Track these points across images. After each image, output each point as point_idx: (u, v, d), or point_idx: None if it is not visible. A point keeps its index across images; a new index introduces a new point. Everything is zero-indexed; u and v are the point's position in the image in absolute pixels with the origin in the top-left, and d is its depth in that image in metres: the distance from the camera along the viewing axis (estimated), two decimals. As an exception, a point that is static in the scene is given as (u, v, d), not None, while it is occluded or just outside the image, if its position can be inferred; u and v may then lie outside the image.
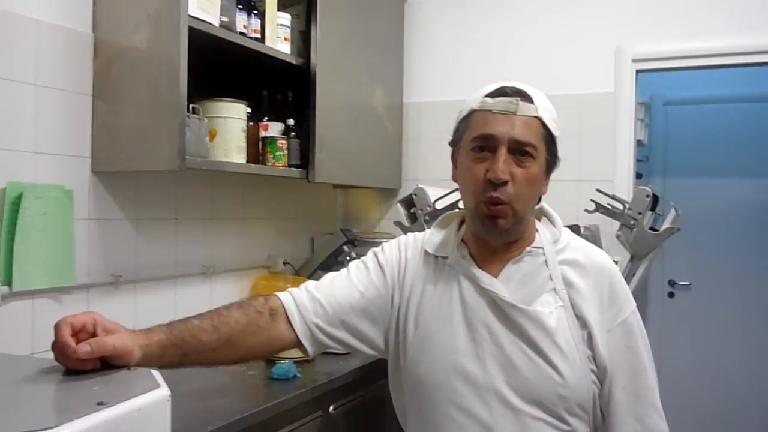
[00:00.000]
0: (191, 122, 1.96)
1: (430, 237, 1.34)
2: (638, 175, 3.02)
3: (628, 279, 2.40)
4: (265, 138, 2.38)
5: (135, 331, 1.06)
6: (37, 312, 1.88)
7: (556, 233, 1.26)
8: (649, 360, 1.22)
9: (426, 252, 1.31)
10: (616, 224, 2.42)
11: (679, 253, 4.11)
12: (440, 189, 2.61)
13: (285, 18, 2.40)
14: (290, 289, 1.30)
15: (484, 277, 1.21)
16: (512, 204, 1.16)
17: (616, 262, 2.32)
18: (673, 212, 2.42)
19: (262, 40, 2.29)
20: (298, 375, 2.00)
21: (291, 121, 2.49)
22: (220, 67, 2.30)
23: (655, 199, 2.41)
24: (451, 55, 3.11)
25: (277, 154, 2.37)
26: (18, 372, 0.96)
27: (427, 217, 2.52)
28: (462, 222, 1.32)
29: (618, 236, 2.38)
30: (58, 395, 0.89)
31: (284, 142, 2.40)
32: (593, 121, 2.79)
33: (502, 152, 1.14)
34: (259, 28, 2.27)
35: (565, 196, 2.81)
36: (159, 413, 0.82)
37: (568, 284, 1.19)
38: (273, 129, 2.44)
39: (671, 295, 4.31)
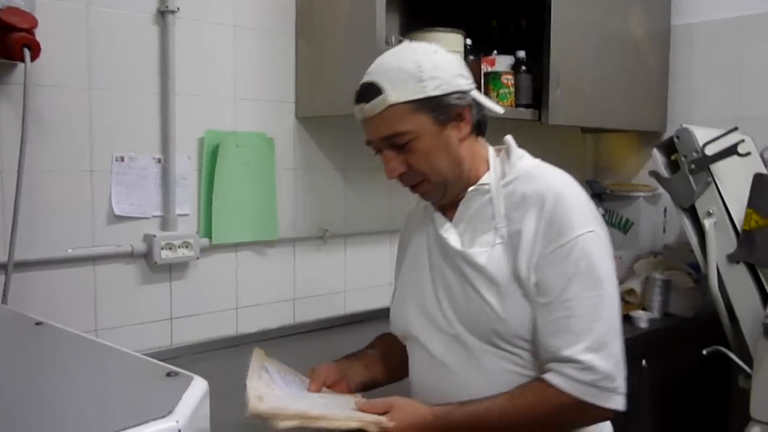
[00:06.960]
0: (393, 58, 1.71)
1: None
2: None
3: None
4: (487, 74, 2.06)
5: None
6: (240, 265, 1.83)
7: (506, 169, 1.25)
8: (585, 288, 1.14)
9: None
10: None
11: None
12: (712, 130, 2.04)
13: (514, -70, 2.02)
14: None
15: (439, 220, 1.28)
16: (427, 180, 1.21)
17: None
18: None
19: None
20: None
21: (522, 53, 2.12)
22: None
23: None
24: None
25: (502, 92, 2.03)
26: (123, 369, 0.80)
27: (693, 166, 1.99)
28: None
29: None
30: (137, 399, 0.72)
31: (510, 77, 2.05)
32: None
33: (385, 154, 1.20)
34: (481, -56, 1.94)
35: None
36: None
37: (510, 219, 1.19)
38: (501, 63, 2.09)
39: None
